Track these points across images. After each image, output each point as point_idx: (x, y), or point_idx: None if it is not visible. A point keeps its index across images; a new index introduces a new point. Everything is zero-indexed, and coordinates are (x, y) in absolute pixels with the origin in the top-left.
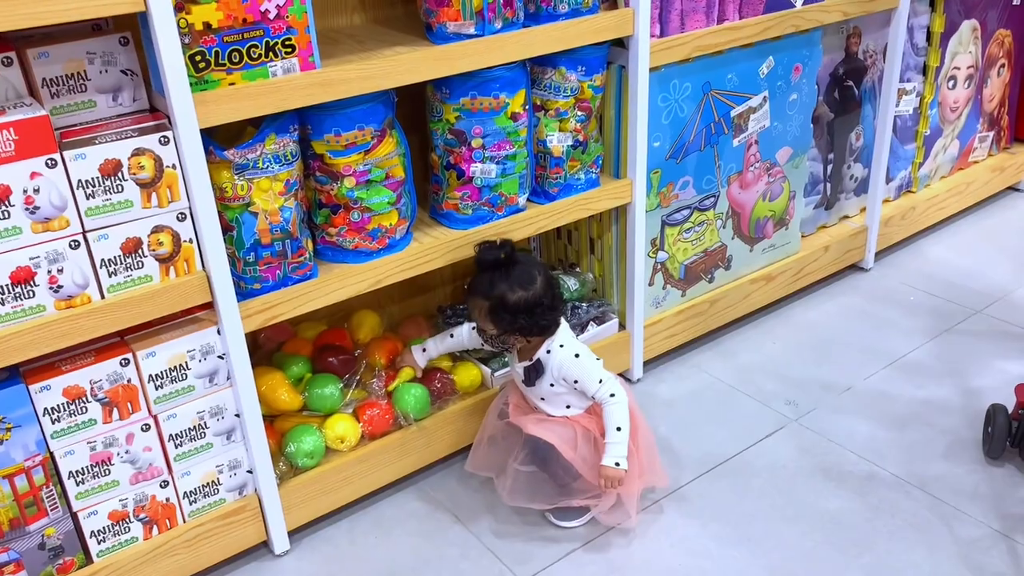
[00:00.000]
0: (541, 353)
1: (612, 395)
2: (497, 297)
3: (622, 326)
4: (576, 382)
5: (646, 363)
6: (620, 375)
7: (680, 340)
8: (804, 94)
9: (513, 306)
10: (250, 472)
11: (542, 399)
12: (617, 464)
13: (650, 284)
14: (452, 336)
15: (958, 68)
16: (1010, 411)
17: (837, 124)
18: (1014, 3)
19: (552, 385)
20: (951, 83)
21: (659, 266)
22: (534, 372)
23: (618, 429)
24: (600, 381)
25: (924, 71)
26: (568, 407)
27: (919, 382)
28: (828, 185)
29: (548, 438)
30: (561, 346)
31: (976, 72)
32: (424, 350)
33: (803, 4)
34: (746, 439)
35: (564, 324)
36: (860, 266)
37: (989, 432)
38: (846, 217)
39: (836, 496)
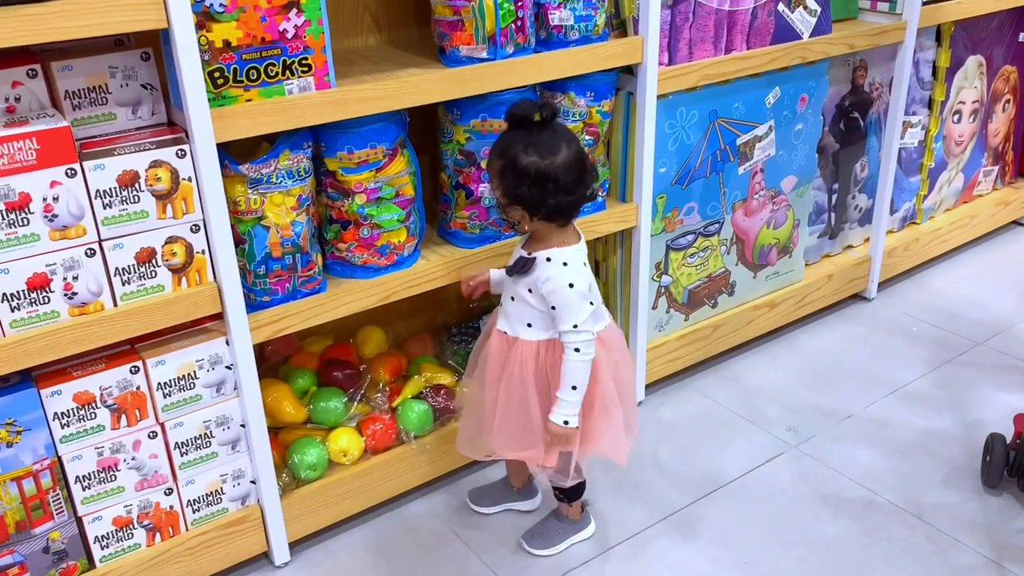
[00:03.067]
0: (541, 255)
1: (576, 349)
2: (511, 157)
3: None
4: (553, 308)
5: (648, 386)
6: None
7: (682, 364)
8: (810, 124)
9: (522, 170)
10: (253, 483)
11: (512, 298)
12: (566, 423)
13: (653, 308)
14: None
15: (963, 103)
16: (1008, 440)
17: (842, 155)
18: (1020, 39)
19: (530, 291)
20: (956, 117)
21: (663, 290)
22: (522, 267)
23: (573, 388)
24: (574, 327)
25: (929, 105)
26: (529, 325)
27: (919, 412)
28: (833, 215)
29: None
30: (564, 264)
31: (981, 107)
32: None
33: (810, 36)
34: (746, 464)
35: (582, 246)
36: (863, 296)
37: (987, 461)
38: (850, 247)
39: (833, 522)
